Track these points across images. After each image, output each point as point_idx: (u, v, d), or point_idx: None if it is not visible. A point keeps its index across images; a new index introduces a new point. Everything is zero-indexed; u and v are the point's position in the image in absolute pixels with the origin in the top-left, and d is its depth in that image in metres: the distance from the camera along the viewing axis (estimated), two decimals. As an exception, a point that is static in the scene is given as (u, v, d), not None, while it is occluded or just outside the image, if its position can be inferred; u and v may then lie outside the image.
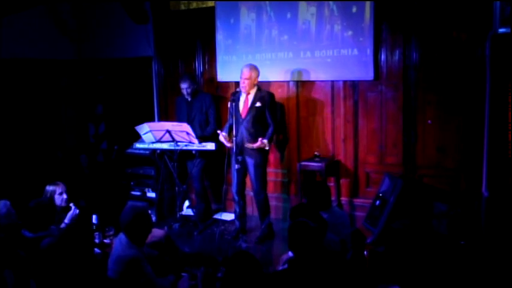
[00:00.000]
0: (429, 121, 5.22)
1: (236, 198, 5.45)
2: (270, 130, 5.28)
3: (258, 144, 5.16)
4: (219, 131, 5.30)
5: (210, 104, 5.94)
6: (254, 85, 5.27)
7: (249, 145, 5.21)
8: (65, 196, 4.71)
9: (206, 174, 6.14)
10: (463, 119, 5.06)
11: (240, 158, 5.29)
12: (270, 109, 5.28)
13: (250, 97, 5.28)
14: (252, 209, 6.07)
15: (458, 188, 5.08)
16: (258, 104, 5.24)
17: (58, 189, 4.69)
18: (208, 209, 6.18)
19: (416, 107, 5.29)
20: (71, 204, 4.70)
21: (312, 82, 5.80)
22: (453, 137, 5.13)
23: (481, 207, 4.76)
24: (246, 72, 5.22)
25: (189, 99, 5.93)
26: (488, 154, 4.73)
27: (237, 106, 5.31)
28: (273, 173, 6.04)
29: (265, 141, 5.17)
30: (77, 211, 4.67)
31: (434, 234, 4.43)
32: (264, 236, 5.44)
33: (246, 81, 5.21)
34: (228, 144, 5.30)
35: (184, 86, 5.88)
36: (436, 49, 5.14)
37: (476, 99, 4.91)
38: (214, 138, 5.60)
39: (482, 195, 4.82)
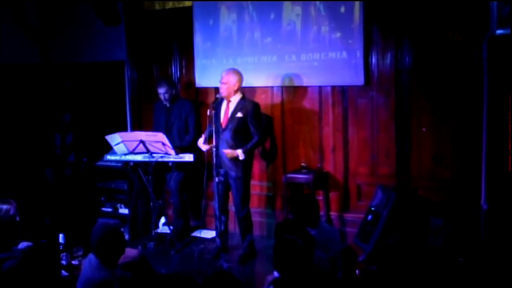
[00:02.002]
0: (424, 129, 5.28)
1: (217, 213, 5.43)
2: (252, 142, 5.26)
3: (231, 152, 5.15)
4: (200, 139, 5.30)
5: (190, 111, 5.93)
6: (235, 91, 5.27)
7: (224, 151, 5.20)
8: (17, 218, 4.54)
9: (184, 187, 6.11)
10: (459, 126, 5.12)
11: (222, 170, 5.29)
12: (254, 120, 5.25)
13: (232, 105, 5.29)
14: (234, 226, 6.05)
15: (456, 201, 5.12)
16: (239, 115, 5.23)
17: (12, 209, 4.53)
18: (187, 226, 6.14)
19: (409, 114, 5.34)
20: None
21: (298, 88, 5.83)
22: (449, 145, 5.18)
23: (480, 220, 4.82)
24: (224, 77, 5.23)
25: (168, 105, 5.93)
26: (487, 164, 4.79)
27: (217, 114, 5.31)
28: (257, 186, 6.04)
29: (239, 150, 5.16)
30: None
31: (431, 250, 4.46)
32: (247, 255, 5.42)
33: (223, 86, 5.22)
34: (204, 148, 5.28)
35: (161, 91, 5.87)
36: (430, 52, 5.21)
37: (473, 104, 4.98)
38: (194, 149, 5.59)
39: (481, 208, 4.88)
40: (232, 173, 5.27)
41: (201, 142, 5.38)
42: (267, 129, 5.92)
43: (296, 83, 5.80)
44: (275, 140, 6.02)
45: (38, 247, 4.28)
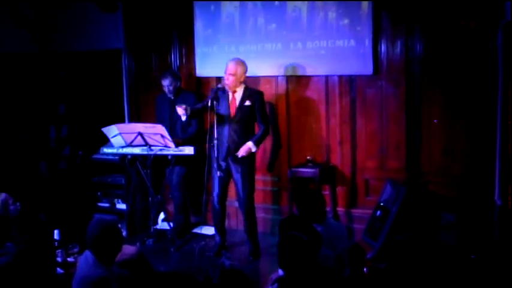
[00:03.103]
0: (435, 120, 5.27)
1: (218, 207, 5.45)
2: (260, 132, 5.32)
3: (244, 149, 5.18)
4: (178, 106, 5.21)
5: (194, 105, 5.94)
6: (240, 82, 5.28)
7: (239, 153, 5.21)
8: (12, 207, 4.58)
9: (186, 182, 6.12)
10: (472, 118, 5.12)
11: (223, 164, 5.29)
12: (261, 108, 5.31)
13: (238, 95, 5.29)
14: (236, 223, 6.07)
15: (468, 196, 5.12)
16: (247, 103, 5.25)
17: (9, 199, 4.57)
18: (187, 223, 6.16)
19: (420, 105, 5.33)
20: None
21: (304, 77, 5.83)
22: (462, 138, 5.18)
23: (493, 216, 4.82)
24: (231, 67, 5.22)
25: (172, 97, 5.94)
26: (501, 157, 4.79)
27: (221, 105, 5.30)
28: (260, 181, 6.04)
29: (250, 143, 5.20)
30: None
31: (442, 247, 4.47)
32: (253, 252, 5.45)
33: (231, 77, 5.22)
34: (181, 111, 5.17)
35: (165, 83, 5.89)
36: (442, 40, 5.19)
37: (487, 95, 4.97)
38: (197, 141, 5.60)
39: (494, 204, 4.88)
40: (239, 168, 5.29)
41: (181, 109, 5.21)
42: (272, 120, 5.92)
43: (301, 72, 5.79)
44: (278, 130, 6.02)
45: (33, 243, 4.32)
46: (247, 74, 5.38)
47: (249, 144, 5.22)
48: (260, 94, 5.36)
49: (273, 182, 6.12)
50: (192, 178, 6.20)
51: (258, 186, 5.94)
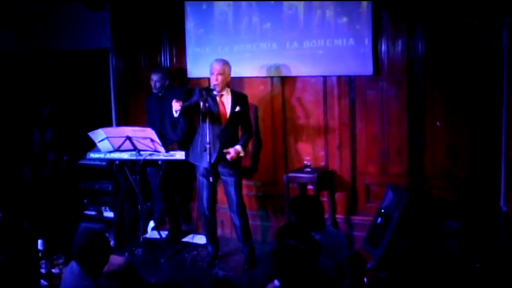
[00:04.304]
0: (438, 123, 5.30)
1: (209, 215, 5.46)
2: (245, 136, 5.40)
3: (235, 152, 5.20)
4: (175, 101, 5.15)
5: (182, 99, 5.96)
6: (227, 83, 5.31)
7: (229, 156, 5.23)
8: None
9: (176, 188, 6.13)
10: (477, 121, 5.14)
11: (211, 174, 5.31)
12: (247, 114, 5.41)
13: (227, 99, 5.31)
14: (230, 231, 6.07)
15: (473, 202, 5.15)
16: (238, 109, 5.28)
17: None
18: (178, 231, 6.16)
19: (423, 107, 5.36)
20: None
21: (301, 78, 5.84)
22: (466, 141, 5.20)
23: (499, 223, 4.84)
24: (218, 67, 5.24)
25: (159, 94, 6.01)
26: (507, 161, 4.81)
27: (211, 108, 5.30)
28: (253, 187, 6.07)
29: (239, 147, 5.25)
30: None
31: (446, 255, 4.49)
32: (251, 261, 5.45)
33: (220, 77, 5.22)
34: (177, 107, 5.09)
35: (154, 77, 6.00)
36: (445, 39, 5.22)
37: (492, 96, 5.00)
38: (187, 145, 5.62)
39: (500, 210, 4.90)
40: (229, 178, 5.34)
41: (176, 103, 5.09)
42: (255, 122, 5.99)
43: (298, 73, 5.80)
44: (259, 133, 6.05)
45: (15, 254, 4.31)
46: (242, 75, 5.42)
47: (238, 148, 5.25)
48: (246, 98, 5.43)
49: (267, 188, 6.12)
50: (182, 184, 6.20)
51: (251, 191, 5.97)
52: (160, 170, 5.79)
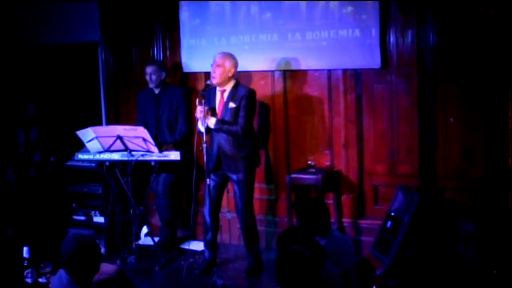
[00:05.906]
0: (451, 119, 5.30)
1: (209, 221, 5.46)
2: (233, 126, 5.20)
3: (206, 118, 5.13)
4: (199, 106, 5.19)
5: (181, 100, 5.99)
6: (229, 78, 5.28)
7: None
8: None
9: (174, 191, 6.12)
10: (493, 116, 5.14)
11: (213, 175, 5.29)
12: (243, 108, 5.22)
13: (226, 95, 5.31)
14: (228, 237, 6.07)
15: (488, 203, 5.15)
16: (231, 105, 5.25)
17: None
18: (174, 237, 6.17)
19: (434, 102, 5.36)
20: None
21: (304, 72, 5.85)
22: (482, 138, 5.20)
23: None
24: (219, 59, 5.24)
25: (154, 89, 6.00)
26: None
27: (210, 104, 5.30)
28: (255, 189, 6.05)
29: (213, 118, 5.19)
30: None
31: (461, 261, 4.49)
32: (253, 269, 5.45)
33: (218, 69, 5.21)
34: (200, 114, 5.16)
35: (148, 70, 6.00)
36: (457, 28, 5.22)
37: (508, 90, 5.00)
38: (184, 145, 5.61)
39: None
40: (234, 176, 5.31)
41: (199, 112, 5.20)
42: (264, 126, 5.97)
43: (301, 67, 5.81)
44: (269, 138, 6.04)
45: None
46: (240, 69, 5.39)
47: (212, 118, 5.19)
48: (248, 91, 5.29)
49: (269, 190, 6.13)
50: (179, 187, 6.20)
51: (253, 194, 5.97)
52: (161, 173, 5.80)
